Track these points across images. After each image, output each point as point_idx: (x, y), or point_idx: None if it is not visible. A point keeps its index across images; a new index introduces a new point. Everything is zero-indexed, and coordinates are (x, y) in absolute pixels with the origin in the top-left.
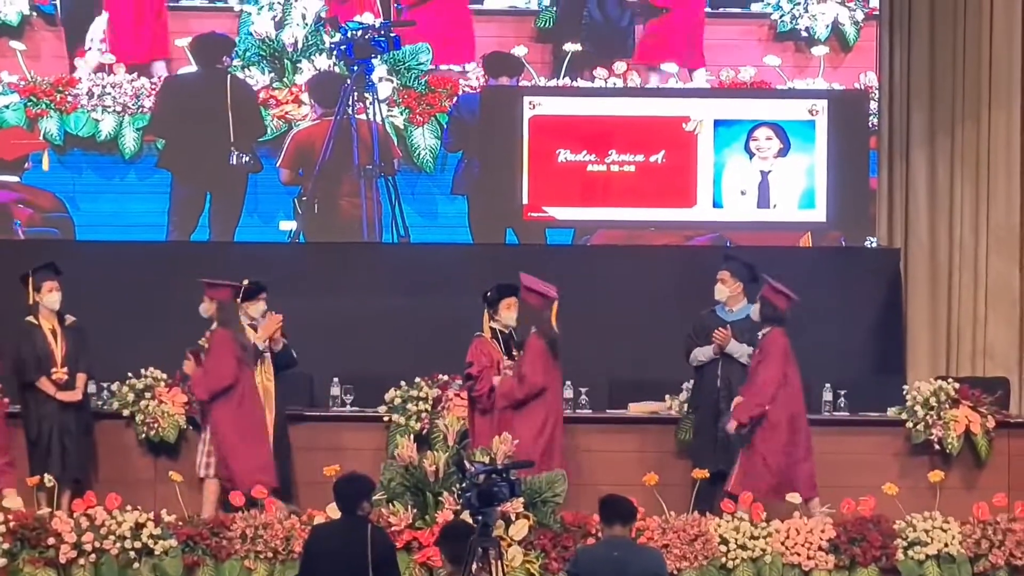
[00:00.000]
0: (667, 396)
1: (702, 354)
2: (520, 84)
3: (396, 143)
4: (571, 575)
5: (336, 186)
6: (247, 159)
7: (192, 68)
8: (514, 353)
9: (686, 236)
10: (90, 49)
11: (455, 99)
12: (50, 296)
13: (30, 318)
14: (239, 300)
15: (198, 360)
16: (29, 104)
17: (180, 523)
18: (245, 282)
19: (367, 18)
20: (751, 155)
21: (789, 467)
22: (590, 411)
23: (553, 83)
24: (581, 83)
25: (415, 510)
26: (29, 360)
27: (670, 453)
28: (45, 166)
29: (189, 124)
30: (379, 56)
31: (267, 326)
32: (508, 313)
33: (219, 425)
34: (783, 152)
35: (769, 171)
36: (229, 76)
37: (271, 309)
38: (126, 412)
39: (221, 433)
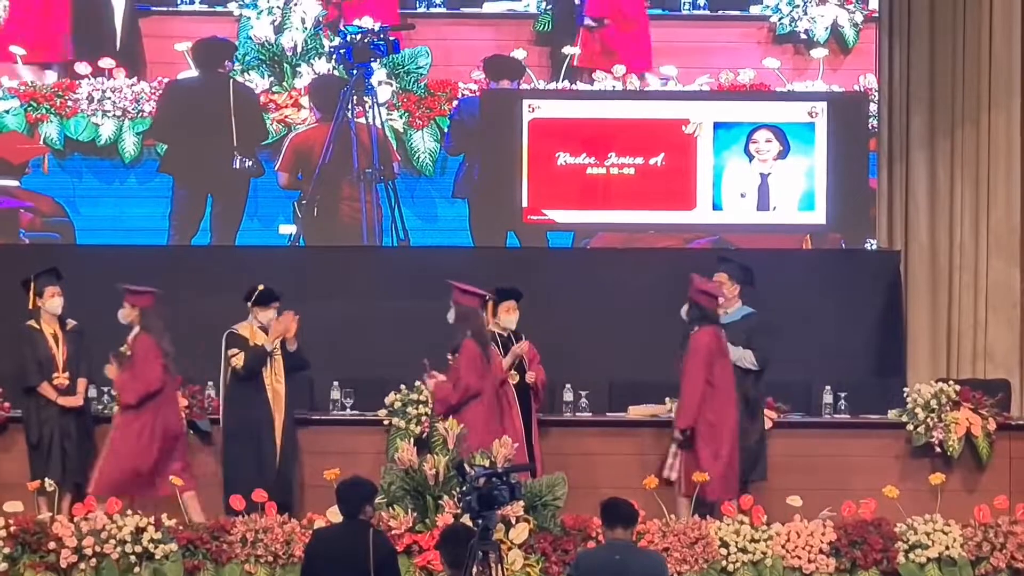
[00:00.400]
0: (667, 399)
1: None
2: (520, 87)
3: (395, 147)
4: None
5: (336, 190)
6: (250, 163)
7: (192, 73)
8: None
9: (686, 239)
10: None
11: (455, 103)
12: (52, 301)
13: (31, 322)
14: (250, 304)
15: (120, 365)
16: (29, 109)
17: (180, 527)
18: (260, 287)
19: (366, 22)
20: (751, 157)
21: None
22: (590, 414)
23: (552, 86)
24: (580, 86)
25: (415, 514)
26: (30, 365)
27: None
28: (45, 170)
29: (190, 129)
30: (378, 60)
31: (277, 328)
32: (508, 316)
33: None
34: (783, 154)
35: (769, 173)
36: (231, 81)
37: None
38: None
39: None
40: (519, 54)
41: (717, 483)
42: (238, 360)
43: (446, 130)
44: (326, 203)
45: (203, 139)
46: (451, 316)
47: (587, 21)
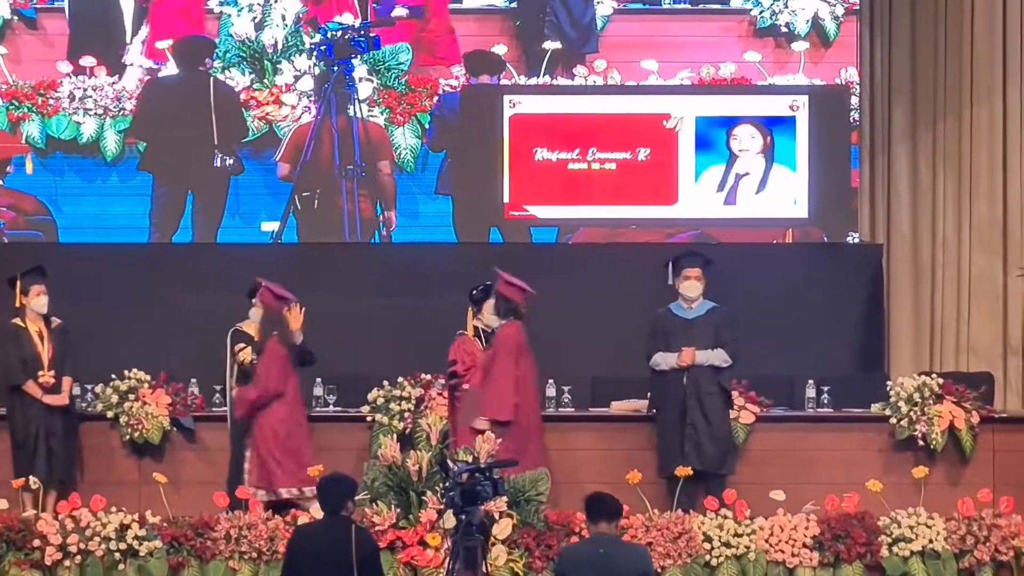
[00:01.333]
0: (649, 394)
1: (665, 362)
2: (500, 83)
3: (372, 142)
4: (557, 573)
5: (318, 186)
6: (230, 161)
7: (173, 71)
8: None
9: (667, 233)
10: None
11: (436, 98)
12: (37, 300)
13: (16, 320)
14: (254, 299)
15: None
16: (11, 108)
17: (165, 524)
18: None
19: (347, 18)
20: (732, 152)
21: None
22: (573, 409)
23: (533, 81)
24: (561, 81)
25: (399, 510)
26: (15, 363)
27: (653, 451)
28: (29, 170)
29: (170, 126)
30: (359, 56)
31: (294, 321)
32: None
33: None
34: (764, 148)
35: (750, 167)
36: (212, 78)
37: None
38: (110, 414)
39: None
40: (499, 49)
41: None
42: (246, 355)
43: (427, 126)
44: (308, 199)
45: (183, 137)
46: (256, 315)
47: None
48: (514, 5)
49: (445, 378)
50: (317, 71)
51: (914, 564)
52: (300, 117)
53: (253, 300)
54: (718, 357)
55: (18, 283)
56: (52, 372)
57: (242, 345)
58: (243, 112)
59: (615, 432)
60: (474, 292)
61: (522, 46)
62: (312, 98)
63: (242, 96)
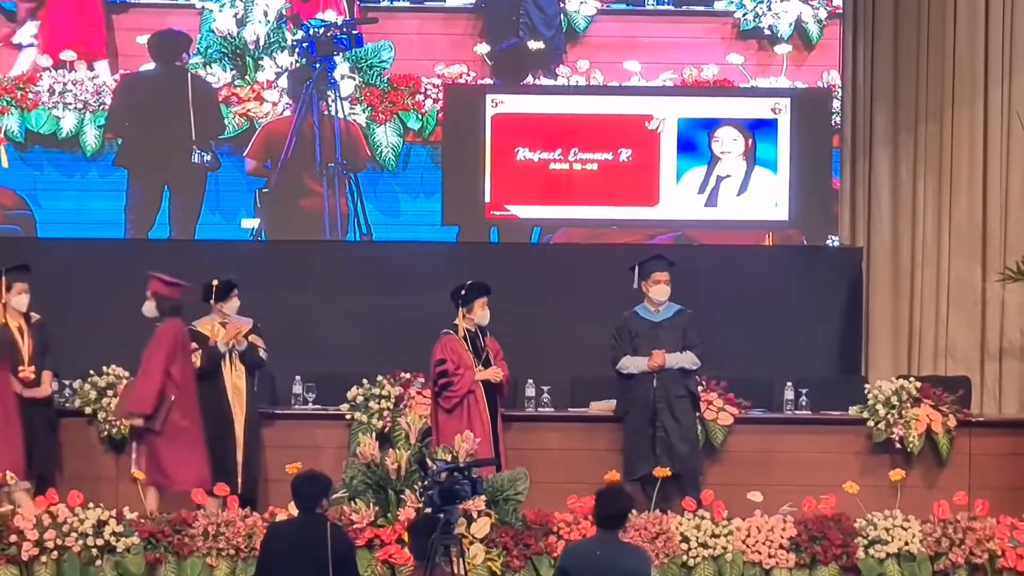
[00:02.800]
0: (616, 397)
1: (634, 366)
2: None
3: (364, 140)
4: (560, 569)
5: (299, 183)
6: (208, 157)
7: (150, 65)
8: (481, 351)
9: (648, 235)
10: (22, 46)
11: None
12: (19, 298)
13: None
14: (212, 300)
15: None
16: None
17: (142, 520)
18: (215, 282)
19: (329, 15)
20: (714, 153)
21: (181, 458)
22: (552, 409)
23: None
24: (544, 81)
25: (377, 508)
26: None
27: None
28: (4, 162)
29: (146, 122)
30: (341, 54)
31: (227, 335)
32: (482, 312)
33: None
34: (746, 151)
35: (732, 169)
36: (189, 74)
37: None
38: (88, 409)
39: None
40: (481, 48)
41: (189, 480)
42: (197, 360)
43: (409, 124)
44: (289, 196)
45: (159, 132)
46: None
47: None
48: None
49: (433, 377)
50: (296, 67)
51: (890, 566)
52: (282, 113)
53: (212, 300)
54: (687, 360)
55: (2, 279)
56: (32, 368)
57: (194, 347)
58: (220, 108)
59: (594, 432)
60: (462, 292)
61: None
62: (290, 94)
63: (223, 92)
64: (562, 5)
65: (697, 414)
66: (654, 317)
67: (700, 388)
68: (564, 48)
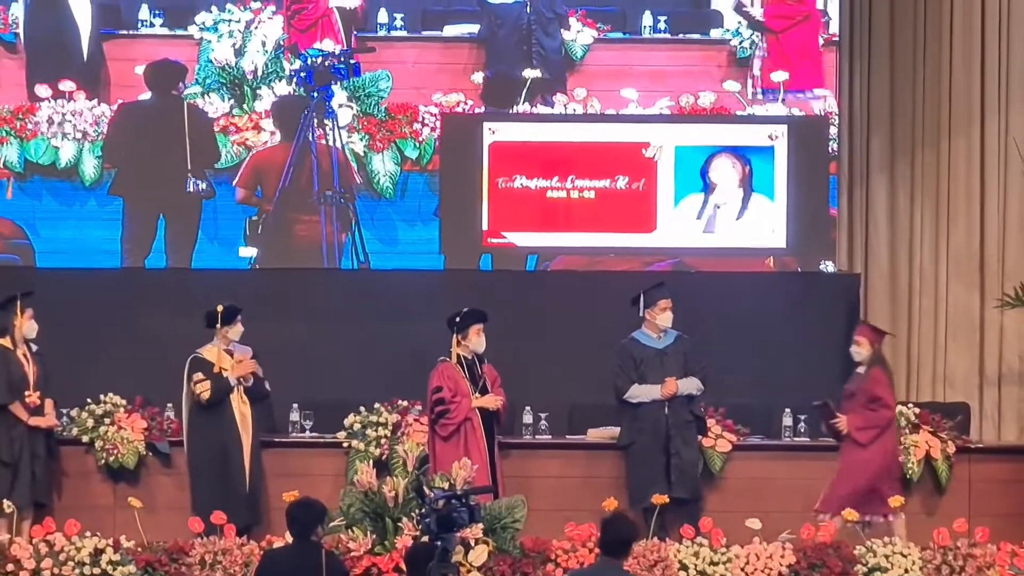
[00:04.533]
0: (621, 426)
1: (646, 394)
2: (478, 111)
3: (356, 169)
4: None
5: (296, 212)
6: (203, 185)
7: (146, 95)
8: (479, 378)
9: (645, 262)
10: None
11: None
12: (28, 324)
13: (2, 341)
14: (218, 325)
15: None
16: None
17: (139, 549)
18: (220, 307)
19: (327, 45)
20: (711, 180)
21: None
22: (550, 436)
23: (512, 109)
24: (541, 109)
25: (374, 536)
26: (2, 384)
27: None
28: (9, 195)
29: (142, 150)
30: (339, 83)
31: (237, 371)
32: (477, 339)
33: None
34: (743, 178)
35: (729, 196)
36: (185, 104)
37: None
38: (85, 438)
39: None
40: (477, 78)
41: None
42: (205, 391)
43: (406, 152)
44: (286, 225)
45: (154, 161)
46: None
47: None
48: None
49: (430, 405)
50: (285, 97)
51: None
52: (266, 143)
53: (217, 325)
54: (694, 385)
55: (18, 303)
56: (38, 393)
57: (200, 376)
58: (215, 137)
59: (592, 460)
60: (457, 319)
61: (501, 74)
62: (276, 124)
63: (221, 122)
64: (561, 32)
65: (700, 437)
66: (657, 344)
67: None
68: (564, 76)
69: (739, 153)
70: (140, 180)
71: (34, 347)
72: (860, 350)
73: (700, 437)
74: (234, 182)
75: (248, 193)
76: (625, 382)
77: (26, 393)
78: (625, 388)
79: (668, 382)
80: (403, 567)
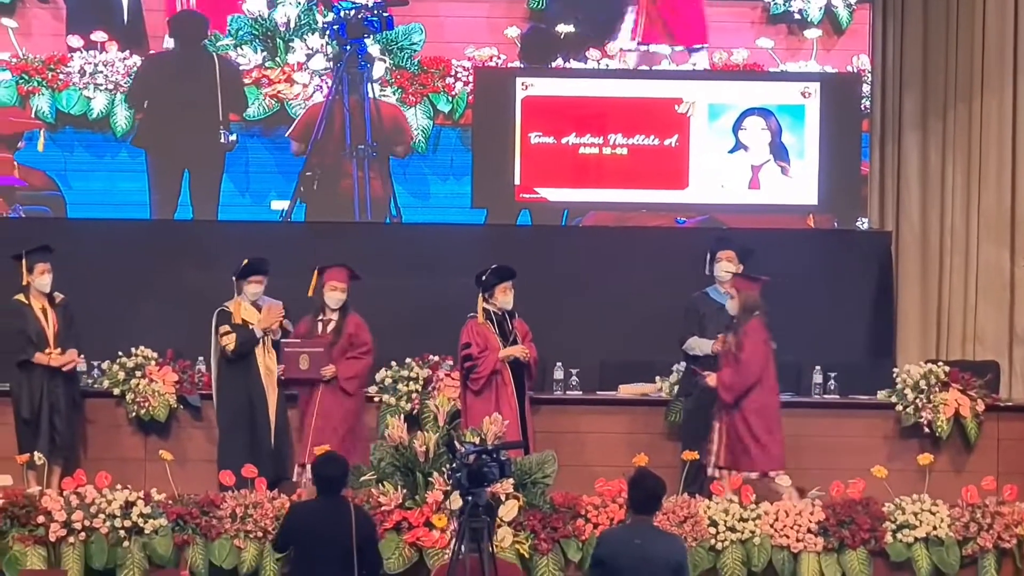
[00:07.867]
0: (657, 378)
1: (699, 348)
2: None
3: (388, 123)
4: (595, 558)
5: (328, 165)
6: (232, 137)
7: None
8: (509, 333)
9: (677, 218)
10: None
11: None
12: (41, 279)
13: (20, 297)
14: (235, 277)
15: None
16: (21, 82)
17: (170, 502)
18: (245, 261)
19: None
20: (743, 137)
21: None
22: (580, 392)
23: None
24: (574, 64)
25: (405, 490)
26: (24, 339)
27: (660, 435)
28: (41, 146)
29: (166, 101)
30: (372, 36)
31: (264, 319)
32: (504, 296)
33: None
34: (775, 134)
35: (761, 153)
36: (216, 55)
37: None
38: (116, 391)
39: None
40: (512, 32)
41: None
42: (230, 343)
43: (439, 106)
44: (320, 179)
45: (180, 112)
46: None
47: None
48: None
49: (460, 361)
50: (329, 50)
51: (918, 551)
52: (312, 96)
53: (241, 279)
54: None
55: (24, 261)
56: (59, 349)
57: (226, 328)
58: (244, 88)
59: (623, 415)
60: (484, 277)
61: (536, 29)
62: (323, 77)
63: (253, 74)
64: None
65: None
66: (722, 299)
67: None
68: (616, 35)
69: (771, 112)
70: (164, 132)
71: (58, 297)
72: (732, 303)
73: None
74: (287, 133)
75: (301, 146)
76: (686, 333)
77: (47, 350)
78: (684, 339)
79: (709, 375)
80: (433, 522)
